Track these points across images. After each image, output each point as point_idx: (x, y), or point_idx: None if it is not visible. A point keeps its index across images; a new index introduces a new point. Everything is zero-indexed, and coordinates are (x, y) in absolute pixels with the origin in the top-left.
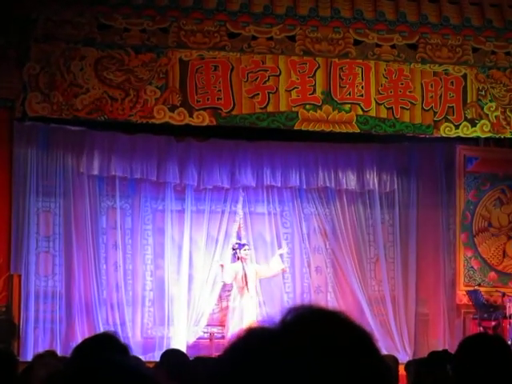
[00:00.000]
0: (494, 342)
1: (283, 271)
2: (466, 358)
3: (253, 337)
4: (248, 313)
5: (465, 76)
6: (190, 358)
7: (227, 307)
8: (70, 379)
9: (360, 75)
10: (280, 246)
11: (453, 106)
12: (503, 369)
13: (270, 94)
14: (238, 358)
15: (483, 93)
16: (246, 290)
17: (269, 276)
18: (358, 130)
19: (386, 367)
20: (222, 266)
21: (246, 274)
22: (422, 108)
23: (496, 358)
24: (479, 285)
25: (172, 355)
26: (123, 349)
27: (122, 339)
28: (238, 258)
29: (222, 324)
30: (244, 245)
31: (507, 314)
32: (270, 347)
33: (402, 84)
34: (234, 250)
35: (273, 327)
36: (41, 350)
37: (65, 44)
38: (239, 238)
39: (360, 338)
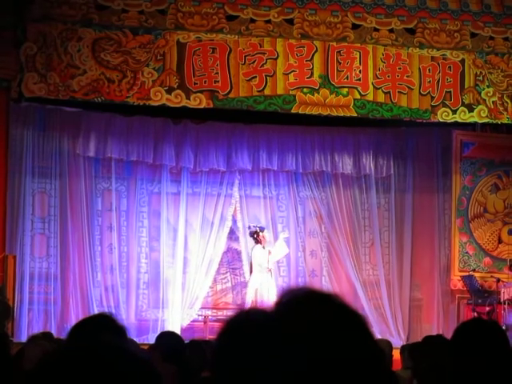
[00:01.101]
0: (490, 328)
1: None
2: (463, 343)
3: (248, 320)
4: (271, 293)
5: (463, 61)
6: (185, 341)
7: (222, 290)
8: (64, 360)
9: (358, 59)
10: (276, 230)
11: (450, 91)
12: (499, 354)
13: (268, 77)
14: (234, 340)
15: (481, 78)
16: (270, 271)
17: (275, 260)
18: (355, 114)
19: (379, 350)
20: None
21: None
22: (420, 93)
23: (492, 344)
24: (474, 270)
25: (167, 338)
26: (120, 330)
27: (119, 320)
28: (258, 242)
29: (216, 307)
30: (263, 227)
31: (501, 300)
32: (265, 330)
33: (400, 68)
34: (255, 233)
35: (268, 310)
36: (35, 331)
37: (62, 24)
38: (235, 221)
39: (353, 321)
